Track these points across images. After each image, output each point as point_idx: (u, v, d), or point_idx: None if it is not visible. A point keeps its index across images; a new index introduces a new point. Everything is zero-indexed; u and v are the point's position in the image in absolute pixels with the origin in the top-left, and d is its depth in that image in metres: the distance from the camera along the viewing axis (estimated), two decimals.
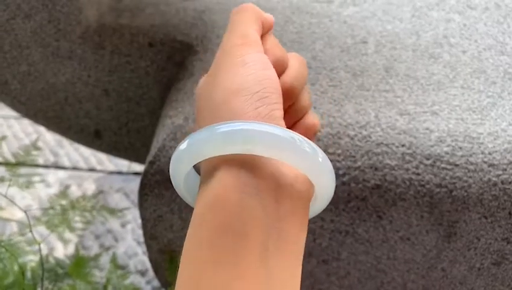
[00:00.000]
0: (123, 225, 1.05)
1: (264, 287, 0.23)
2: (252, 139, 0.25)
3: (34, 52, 0.61)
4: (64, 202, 0.58)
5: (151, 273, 0.98)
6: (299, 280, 0.25)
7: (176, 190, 0.30)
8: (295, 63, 0.34)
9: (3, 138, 0.62)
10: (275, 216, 0.25)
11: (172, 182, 0.29)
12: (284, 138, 0.25)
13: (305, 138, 0.26)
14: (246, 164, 0.26)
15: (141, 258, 1.01)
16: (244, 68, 0.29)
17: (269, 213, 0.25)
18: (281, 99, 0.29)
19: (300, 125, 0.35)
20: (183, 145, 0.27)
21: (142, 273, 0.99)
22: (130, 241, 1.03)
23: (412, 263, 0.52)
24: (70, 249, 1.00)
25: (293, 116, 0.34)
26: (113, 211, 0.61)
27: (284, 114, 0.30)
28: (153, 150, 0.51)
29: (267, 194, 0.25)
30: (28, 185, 0.59)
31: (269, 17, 0.35)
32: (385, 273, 0.53)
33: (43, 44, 0.61)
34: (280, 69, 0.33)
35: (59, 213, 0.56)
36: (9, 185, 0.55)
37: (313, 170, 0.26)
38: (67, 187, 0.62)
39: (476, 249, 0.49)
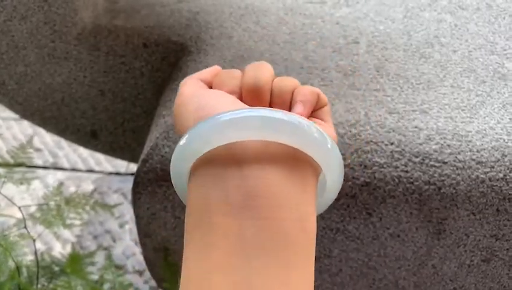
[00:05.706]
0: (121, 226, 1.06)
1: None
2: (266, 125, 0.24)
3: (30, 53, 0.62)
4: (58, 198, 0.59)
5: (148, 273, 0.99)
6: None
7: (176, 189, 0.28)
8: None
9: None
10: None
11: (174, 182, 0.27)
12: (292, 123, 0.24)
13: (314, 124, 0.26)
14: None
15: (139, 258, 1.01)
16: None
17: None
18: None
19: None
20: (182, 141, 0.25)
21: (140, 273, 1.00)
22: (127, 241, 1.04)
23: (403, 260, 0.52)
24: (69, 249, 1.00)
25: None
26: (106, 207, 0.61)
27: None
28: (146, 148, 0.52)
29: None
30: (23, 181, 0.59)
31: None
32: (376, 270, 0.53)
33: (39, 45, 0.61)
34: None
35: (53, 209, 0.57)
36: (3, 182, 0.55)
37: (322, 157, 0.25)
38: (61, 184, 0.62)
39: (466, 246, 0.50)
